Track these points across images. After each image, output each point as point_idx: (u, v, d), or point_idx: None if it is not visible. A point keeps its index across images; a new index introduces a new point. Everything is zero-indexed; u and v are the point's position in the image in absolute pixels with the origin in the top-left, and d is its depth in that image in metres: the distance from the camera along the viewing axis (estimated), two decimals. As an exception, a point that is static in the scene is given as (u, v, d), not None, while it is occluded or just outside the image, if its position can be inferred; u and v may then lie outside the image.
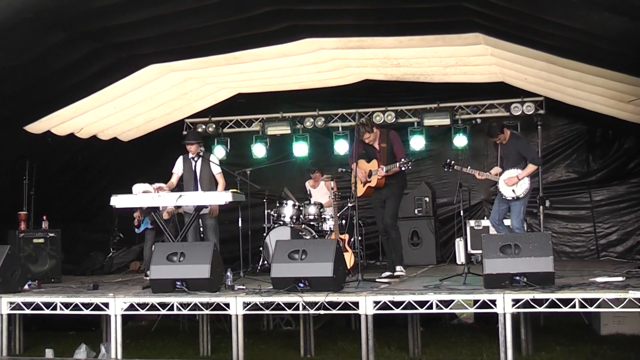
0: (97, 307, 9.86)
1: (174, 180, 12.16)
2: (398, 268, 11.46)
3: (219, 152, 15.93)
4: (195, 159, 11.99)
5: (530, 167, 11.27)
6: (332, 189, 13.27)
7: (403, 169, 11.19)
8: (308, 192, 14.58)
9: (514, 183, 11.12)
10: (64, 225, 13.61)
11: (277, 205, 13.90)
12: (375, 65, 13.65)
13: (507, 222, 11.70)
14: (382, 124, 14.97)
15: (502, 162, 11.36)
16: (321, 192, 14.34)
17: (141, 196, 10.94)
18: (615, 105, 12.86)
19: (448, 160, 11.62)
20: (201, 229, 12.25)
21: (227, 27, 11.09)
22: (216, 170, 11.99)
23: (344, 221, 13.22)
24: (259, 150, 16.09)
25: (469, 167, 11.54)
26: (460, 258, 14.37)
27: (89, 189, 11.71)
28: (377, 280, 10.88)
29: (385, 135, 11.57)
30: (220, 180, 11.99)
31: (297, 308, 9.30)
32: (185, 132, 15.99)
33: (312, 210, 13.74)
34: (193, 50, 12.10)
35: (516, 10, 9.59)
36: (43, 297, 10.13)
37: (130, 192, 11.17)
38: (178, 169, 12.20)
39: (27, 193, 13.09)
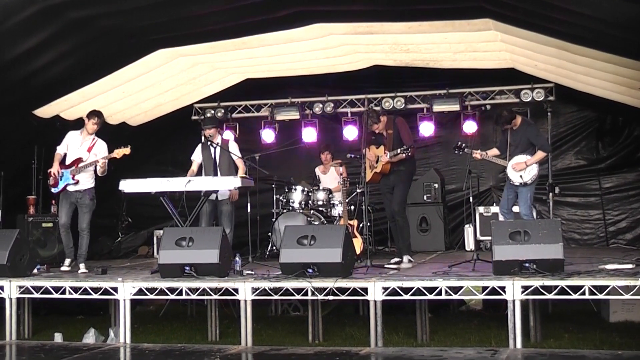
0: (105, 292, 9.88)
1: (194, 167, 12.04)
2: (405, 259, 11.41)
3: (226, 137, 15.91)
4: (214, 145, 11.92)
5: (540, 154, 11.21)
6: (342, 174, 13.26)
7: (404, 155, 11.19)
8: (317, 178, 14.56)
9: (521, 169, 11.06)
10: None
11: (286, 190, 13.89)
12: (384, 51, 13.61)
13: (515, 209, 11.67)
14: (391, 109, 14.97)
15: (510, 147, 11.28)
16: (331, 177, 14.32)
17: (150, 181, 10.92)
18: (625, 92, 12.81)
19: (459, 143, 11.59)
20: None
21: (236, 12, 11.06)
22: (236, 156, 11.92)
23: (352, 207, 13.21)
24: (267, 136, 16.06)
25: (472, 150, 11.50)
26: (469, 244, 14.39)
27: (97, 174, 11.77)
28: (385, 266, 10.88)
29: (391, 121, 11.57)
30: (241, 166, 11.86)
31: (305, 294, 9.30)
32: (194, 118, 16.02)
33: (321, 195, 13.73)
34: (202, 35, 12.08)
35: (527, -4, 9.57)
36: (52, 281, 10.16)
37: (139, 176, 11.16)
38: (197, 156, 12.09)
39: (36, 178, 13.13)
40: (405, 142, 11.34)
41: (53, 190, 11.51)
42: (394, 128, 11.49)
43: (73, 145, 11.51)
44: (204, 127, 12.12)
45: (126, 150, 11.36)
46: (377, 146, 11.61)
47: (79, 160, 11.35)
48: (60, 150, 11.51)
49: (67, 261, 11.44)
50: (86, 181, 11.33)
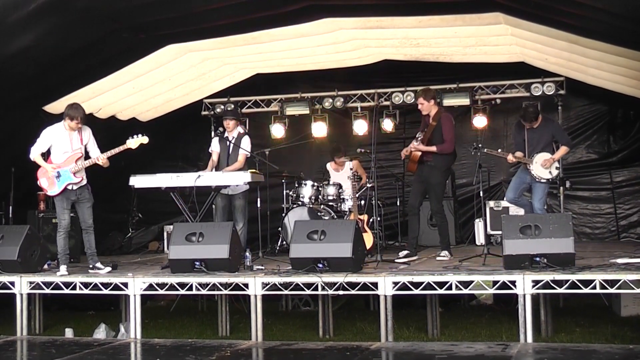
0: (116, 287, 9.92)
1: (214, 158, 11.98)
2: (443, 252, 11.33)
3: (242, 131, 15.89)
4: (230, 139, 11.89)
5: (564, 150, 11.29)
6: (352, 168, 13.29)
7: (434, 149, 11.04)
8: (328, 174, 14.47)
9: (551, 164, 11.03)
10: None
11: (296, 185, 13.87)
12: (394, 46, 13.57)
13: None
14: (401, 104, 14.99)
15: (530, 145, 11.18)
16: (344, 175, 14.06)
17: (160, 177, 10.92)
18: (636, 86, 12.74)
19: (474, 144, 11.47)
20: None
21: (245, 7, 11.04)
22: (243, 151, 11.82)
23: (362, 202, 13.20)
24: (277, 131, 16.04)
25: (499, 150, 11.44)
26: (480, 239, 14.36)
27: (107, 169, 11.71)
28: (395, 260, 10.85)
29: (439, 114, 11.44)
30: (241, 159, 11.80)
31: (315, 288, 9.31)
32: (204, 113, 16.03)
33: (331, 190, 13.70)
34: (211, 31, 12.07)
35: (537, -11, 9.52)
36: (62, 277, 10.18)
37: (149, 172, 11.14)
38: (215, 146, 12.05)
39: (47, 174, 13.14)
40: (445, 137, 11.21)
41: (50, 193, 10.71)
42: (438, 122, 11.34)
43: (60, 142, 10.67)
44: (225, 118, 12.11)
45: (143, 140, 10.81)
46: None
47: (79, 157, 10.64)
48: (40, 149, 10.70)
49: (64, 268, 10.50)
50: (84, 177, 10.75)
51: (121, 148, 10.75)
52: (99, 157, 10.65)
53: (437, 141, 11.18)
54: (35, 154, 10.73)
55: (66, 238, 10.73)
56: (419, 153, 11.21)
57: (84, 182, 10.76)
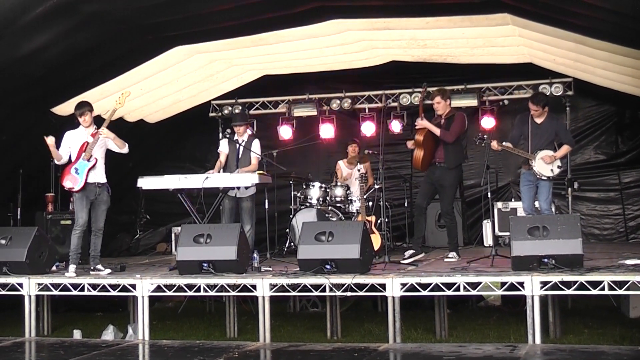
0: (124, 289, 9.91)
1: (222, 159, 11.88)
2: (451, 254, 11.31)
3: (252, 133, 15.91)
4: (240, 141, 11.85)
5: (566, 148, 11.20)
6: (359, 170, 13.30)
7: (439, 133, 11.03)
8: (335, 174, 14.41)
9: (552, 162, 10.99)
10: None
11: (304, 187, 13.86)
12: (402, 47, 13.57)
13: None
14: (409, 105, 15.01)
15: (533, 141, 11.15)
16: (354, 174, 14.10)
17: (168, 178, 10.93)
18: (644, 86, 12.75)
19: (480, 134, 11.47)
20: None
21: (253, 9, 11.05)
22: (254, 155, 11.77)
23: (370, 203, 13.19)
24: (285, 132, 16.03)
25: (504, 143, 11.38)
26: (488, 240, 14.34)
27: (115, 171, 11.73)
28: (401, 262, 10.81)
29: (453, 112, 11.45)
30: (255, 163, 11.71)
31: (323, 290, 9.28)
32: (212, 114, 16.02)
33: (338, 192, 13.69)
34: (219, 32, 12.08)
35: (545, -10, 9.51)
36: (71, 278, 10.19)
37: (157, 173, 11.13)
38: (224, 147, 11.94)
39: (55, 175, 13.15)
40: (451, 129, 11.18)
41: (77, 188, 10.54)
42: (452, 117, 11.34)
43: (76, 142, 10.74)
44: (234, 124, 12.03)
45: (126, 94, 10.94)
46: None
47: (85, 143, 10.64)
48: (63, 153, 10.73)
49: (73, 267, 10.50)
50: (102, 173, 10.75)
51: (112, 112, 10.83)
52: (100, 130, 10.62)
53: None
54: (60, 157, 10.76)
55: (81, 237, 10.68)
56: (421, 138, 11.17)
57: (102, 178, 10.77)
